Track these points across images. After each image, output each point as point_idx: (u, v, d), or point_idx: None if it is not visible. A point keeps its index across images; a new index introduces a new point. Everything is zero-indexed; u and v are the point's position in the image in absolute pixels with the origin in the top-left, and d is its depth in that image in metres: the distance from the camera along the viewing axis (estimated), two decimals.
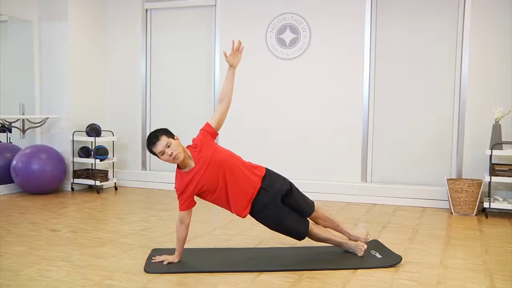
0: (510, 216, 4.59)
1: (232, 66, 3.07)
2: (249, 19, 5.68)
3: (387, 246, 3.39)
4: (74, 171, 5.75)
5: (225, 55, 3.06)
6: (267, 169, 3.09)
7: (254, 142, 5.66)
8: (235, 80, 3.09)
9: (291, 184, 3.08)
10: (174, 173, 5.92)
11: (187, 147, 3.00)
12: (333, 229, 3.25)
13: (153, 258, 3.07)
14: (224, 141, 5.33)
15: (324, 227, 3.21)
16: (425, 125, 5.18)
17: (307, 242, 3.36)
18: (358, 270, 2.93)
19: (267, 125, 5.65)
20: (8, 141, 5.96)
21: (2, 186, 5.47)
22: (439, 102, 5.11)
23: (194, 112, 6.04)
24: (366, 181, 5.37)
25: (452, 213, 4.69)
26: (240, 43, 3.09)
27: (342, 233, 3.25)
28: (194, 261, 3.07)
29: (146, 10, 6.20)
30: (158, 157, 2.88)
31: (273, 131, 5.63)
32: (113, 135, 6.03)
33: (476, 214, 4.64)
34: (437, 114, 5.13)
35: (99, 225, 4.10)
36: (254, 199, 2.95)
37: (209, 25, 5.94)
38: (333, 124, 5.41)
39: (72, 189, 5.78)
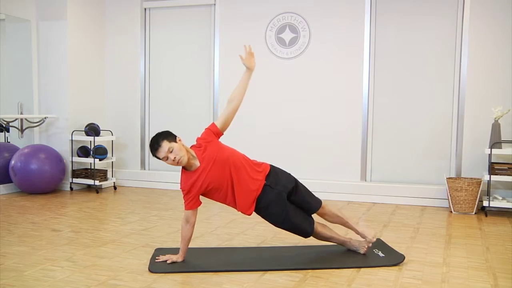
0: (509, 215, 4.62)
1: (249, 69, 3.06)
2: (249, 18, 5.67)
3: (390, 245, 3.41)
4: (73, 171, 5.72)
5: (241, 58, 3.07)
6: (271, 166, 3.09)
7: (253, 141, 5.66)
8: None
9: (296, 181, 3.08)
10: (173, 173, 5.93)
11: (191, 147, 2.99)
12: (342, 225, 3.24)
13: (156, 257, 3.07)
14: (223, 138, 5.33)
15: (332, 223, 3.21)
16: (424, 124, 5.20)
17: (309, 241, 3.38)
18: (362, 269, 2.94)
19: (266, 124, 5.65)
20: (6, 141, 5.92)
21: (0, 186, 5.44)
22: (438, 101, 5.14)
23: (193, 111, 6.03)
24: (365, 180, 5.39)
25: (451, 211, 4.71)
26: (250, 48, 3.09)
27: (350, 229, 3.24)
28: (198, 260, 3.07)
29: (145, 9, 6.18)
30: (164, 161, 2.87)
31: (272, 130, 5.63)
32: (112, 135, 6.01)
33: (475, 213, 4.66)
34: (437, 113, 5.15)
35: (100, 224, 4.08)
36: (259, 197, 2.95)
37: (208, 24, 5.93)
38: (332, 123, 5.42)
39: (71, 188, 5.76)
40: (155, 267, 2.93)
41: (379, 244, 3.41)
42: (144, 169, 6.27)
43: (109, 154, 5.94)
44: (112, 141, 5.98)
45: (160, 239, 3.64)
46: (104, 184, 5.88)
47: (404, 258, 3.09)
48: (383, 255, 3.16)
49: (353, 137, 5.35)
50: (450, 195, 4.71)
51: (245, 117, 5.70)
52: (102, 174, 5.75)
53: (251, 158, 3.10)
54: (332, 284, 2.70)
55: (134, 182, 6.13)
